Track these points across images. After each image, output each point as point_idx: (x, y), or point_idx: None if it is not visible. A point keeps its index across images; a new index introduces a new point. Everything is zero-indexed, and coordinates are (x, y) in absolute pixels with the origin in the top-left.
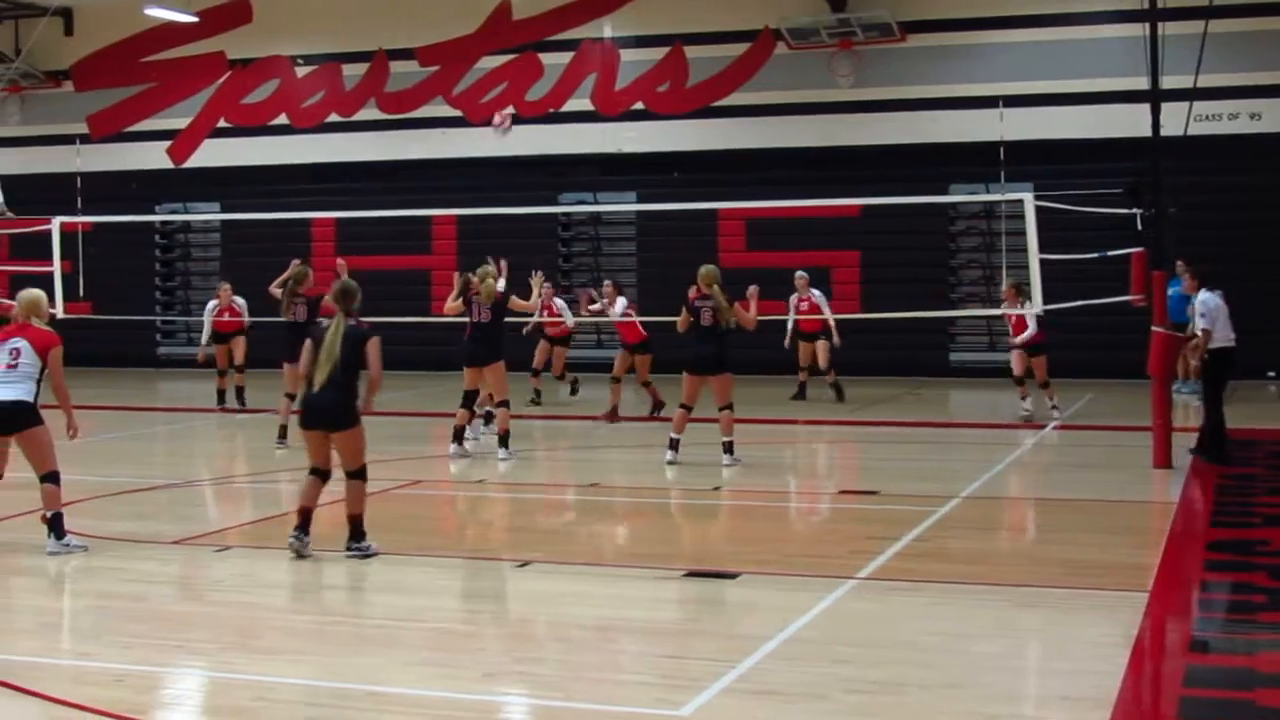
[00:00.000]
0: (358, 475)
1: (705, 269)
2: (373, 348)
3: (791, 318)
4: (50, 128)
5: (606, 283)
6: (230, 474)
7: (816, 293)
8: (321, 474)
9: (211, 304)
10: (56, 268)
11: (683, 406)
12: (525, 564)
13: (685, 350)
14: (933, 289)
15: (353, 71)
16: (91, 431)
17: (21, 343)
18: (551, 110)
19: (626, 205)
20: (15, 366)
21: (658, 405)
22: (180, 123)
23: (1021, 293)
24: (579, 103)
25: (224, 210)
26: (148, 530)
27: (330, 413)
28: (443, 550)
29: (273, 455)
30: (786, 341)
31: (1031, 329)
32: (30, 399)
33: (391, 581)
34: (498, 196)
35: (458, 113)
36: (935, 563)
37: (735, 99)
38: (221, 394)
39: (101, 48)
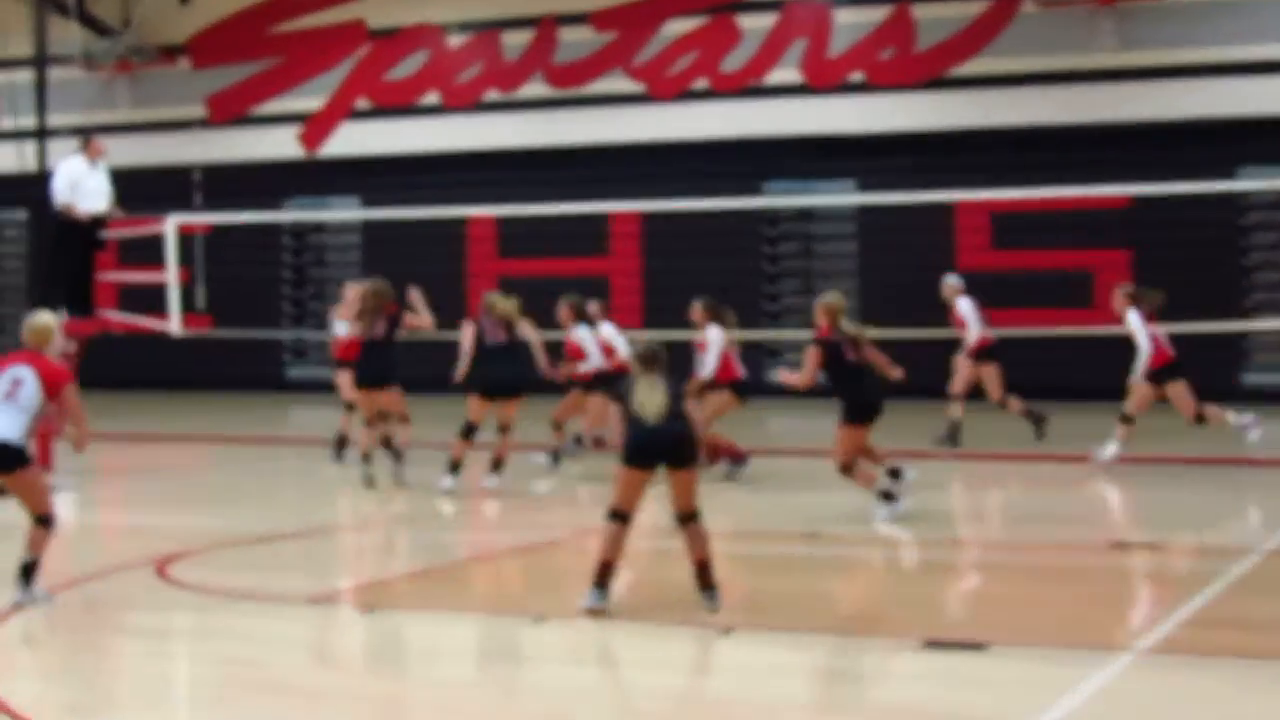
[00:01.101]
0: (694, 519)
1: (837, 298)
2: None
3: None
4: (164, 111)
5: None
6: (376, 517)
7: (964, 302)
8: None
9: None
10: (171, 275)
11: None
12: (729, 630)
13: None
14: (1220, 295)
15: (514, 40)
16: (209, 469)
17: (26, 373)
18: (752, 84)
19: (844, 197)
20: (12, 398)
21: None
22: (314, 104)
23: None
24: (785, 74)
25: (364, 206)
26: (276, 586)
27: (678, 445)
28: (634, 613)
29: (428, 495)
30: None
31: None
32: (17, 438)
33: (563, 648)
34: (688, 187)
35: (639, 87)
36: (1234, 632)
37: (974, 67)
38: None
39: (222, 18)
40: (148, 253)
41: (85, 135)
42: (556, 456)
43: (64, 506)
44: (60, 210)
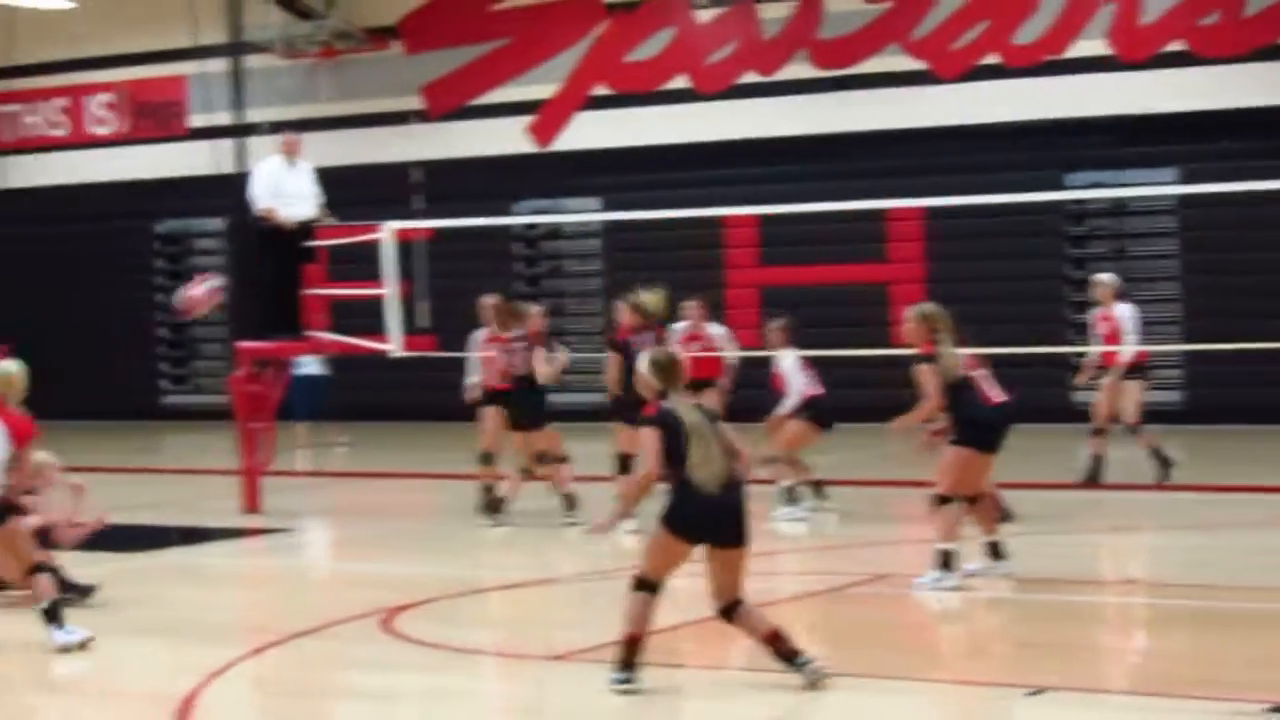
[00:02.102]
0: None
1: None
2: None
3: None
4: (374, 103)
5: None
6: (621, 566)
7: (1124, 308)
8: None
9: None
10: (390, 289)
11: None
12: (1039, 691)
13: None
14: None
15: (773, 13)
16: (435, 510)
17: None
18: (1050, 58)
19: (1161, 187)
20: None
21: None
22: (545, 91)
23: None
24: (1090, 45)
25: (606, 208)
26: (517, 641)
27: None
28: (919, 672)
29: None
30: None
31: None
32: None
33: (863, 715)
34: (976, 181)
35: (919, 65)
36: None
37: None
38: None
39: None
40: (361, 264)
41: (279, 130)
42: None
43: (276, 553)
44: (260, 217)
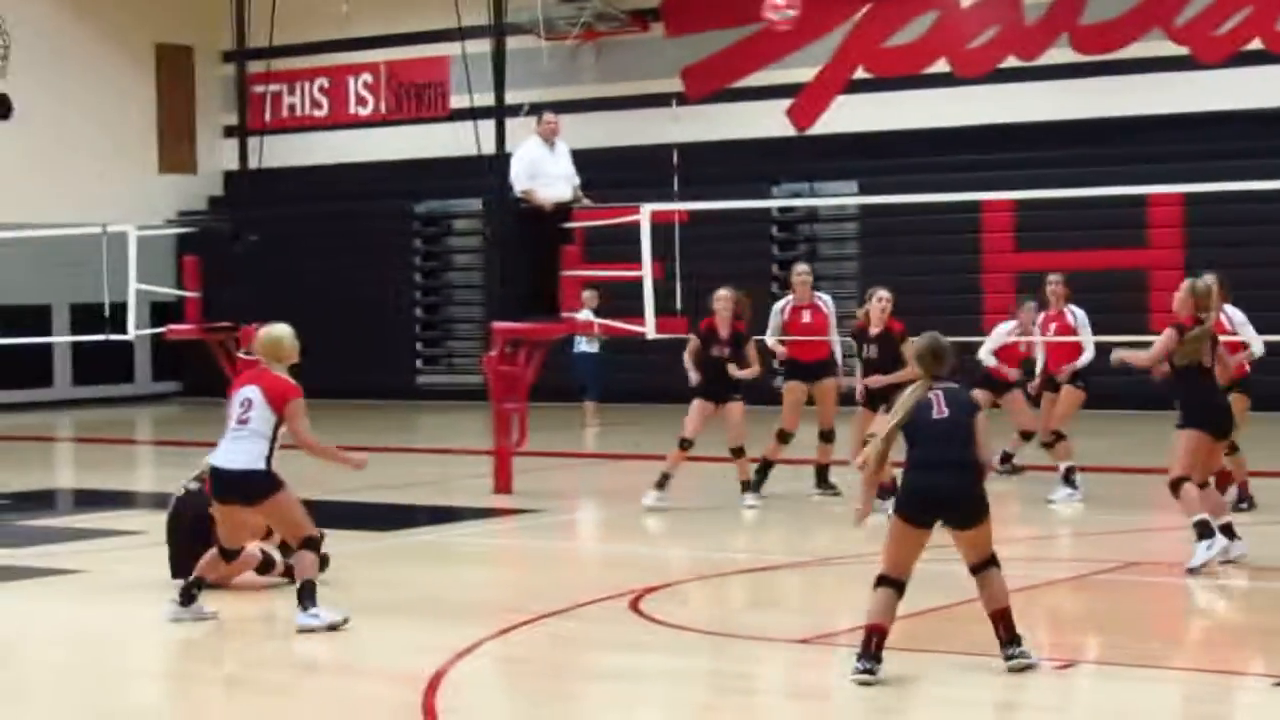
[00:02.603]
0: (992, 564)
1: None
2: (981, 422)
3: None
4: (635, 85)
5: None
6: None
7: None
8: (899, 586)
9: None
10: (646, 271)
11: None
12: None
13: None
14: None
15: None
16: (694, 493)
17: (254, 392)
18: None
19: None
20: (246, 422)
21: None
22: (804, 74)
23: None
24: None
25: (863, 191)
26: (767, 623)
27: (953, 500)
28: (1166, 660)
29: None
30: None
31: None
32: (262, 464)
33: (1105, 702)
34: (1243, 166)
35: (1182, 51)
36: None
37: None
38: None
39: None
40: (620, 245)
41: (539, 112)
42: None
43: (525, 534)
44: (519, 199)
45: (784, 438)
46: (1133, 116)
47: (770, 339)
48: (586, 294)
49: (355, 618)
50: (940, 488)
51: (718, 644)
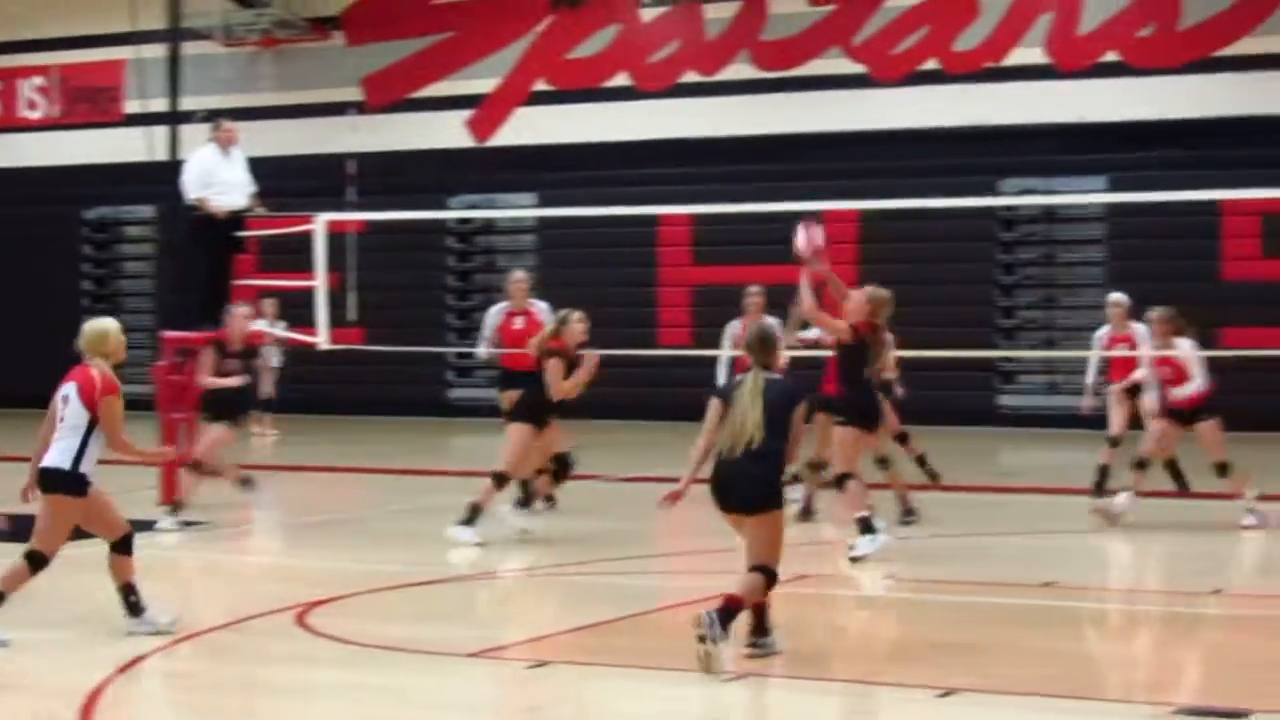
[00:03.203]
0: (765, 574)
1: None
2: (800, 412)
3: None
4: (314, 94)
5: None
6: (546, 562)
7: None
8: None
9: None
10: (320, 282)
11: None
12: (948, 693)
13: None
14: None
15: (717, 13)
16: (358, 503)
17: (71, 389)
18: (989, 65)
19: (1093, 194)
20: (63, 420)
21: None
22: (485, 85)
23: None
24: (1028, 54)
25: (542, 204)
26: (435, 637)
27: (749, 493)
28: (835, 672)
29: (601, 536)
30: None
31: None
32: (66, 464)
33: (771, 713)
34: (914, 184)
35: (860, 69)
36: None
37: (1248, 46)
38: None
39: None
40: (294, 256)
41: (216, 119)
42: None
43: (191, 546)
44: (192, 206)
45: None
46: (811, 133)
47: (483, 348)
48: (266, 303)
49: (11, 631)
50: (739, 474)
51: (386, 658)
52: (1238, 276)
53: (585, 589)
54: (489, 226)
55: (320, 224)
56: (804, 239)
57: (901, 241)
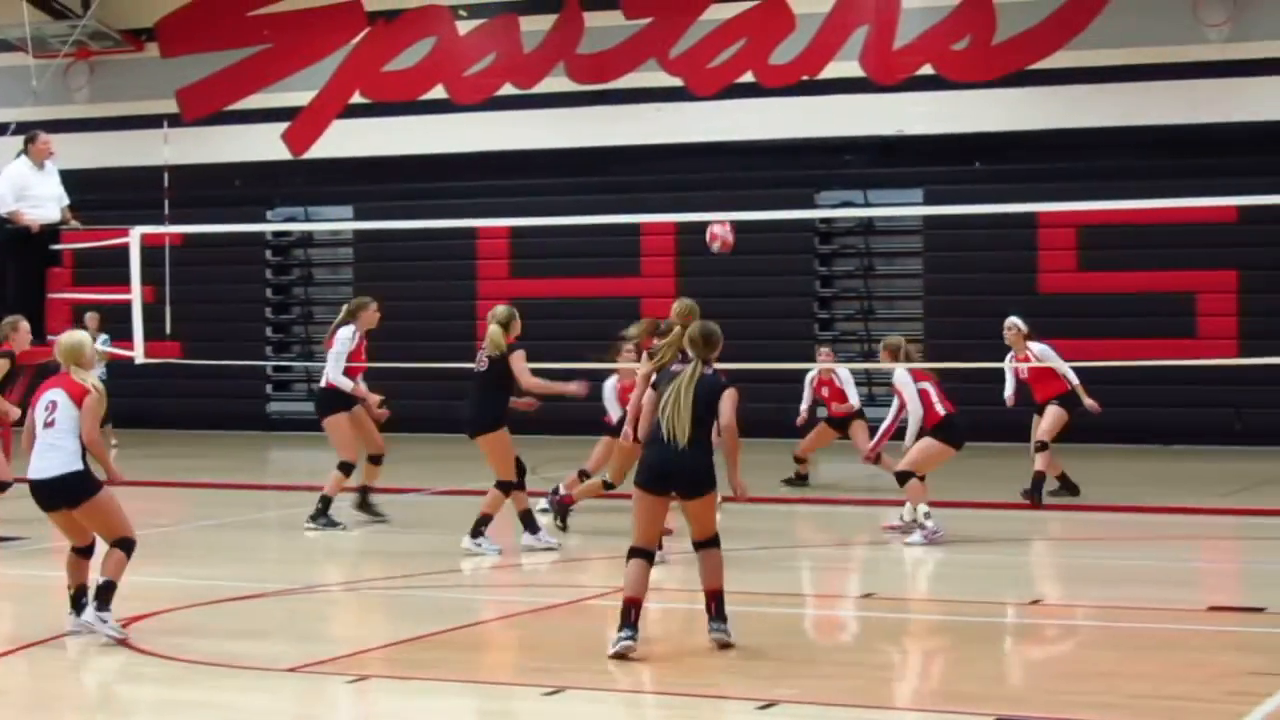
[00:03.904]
0: (714, 544)
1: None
2: (728, 398)
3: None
4: (128, 106)
5: None
6: (367, 576)
7: (1035, 348)
8: (649, 555)
9: None
10: (135, 295)
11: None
12: (769, 705)
13: None
14: None
15: (534, 26)
16: (178, 518)
17: (59, 395)
18: (806, 78)
19: (909, 207)
20: (53, 425)
21: None
22: (302, 98)
23: None
24: (844, 67)
25: (358, 217)
26: (256, 652)
27: (689, 476)
28: (658, 684)
29: (422, 550)
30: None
31: None
32: (79, 464)
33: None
34: (733, 197)
35: (677, 82)
36: None
37: (1060, 60)
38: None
39: None
40: (110, 268)
41: (30, 132)
42: None
43: (5, 561)
44: (4, 220)
45: (345, 469)
46: (629, 146)
47: (336, 371)
48: (89, 317)
49: None
50: (673, 460)
51: (209, 673)
52: (1054, 289)
53: (406, 603)
54: (307, 239)
55: (135, 237)
56: (718, 239)
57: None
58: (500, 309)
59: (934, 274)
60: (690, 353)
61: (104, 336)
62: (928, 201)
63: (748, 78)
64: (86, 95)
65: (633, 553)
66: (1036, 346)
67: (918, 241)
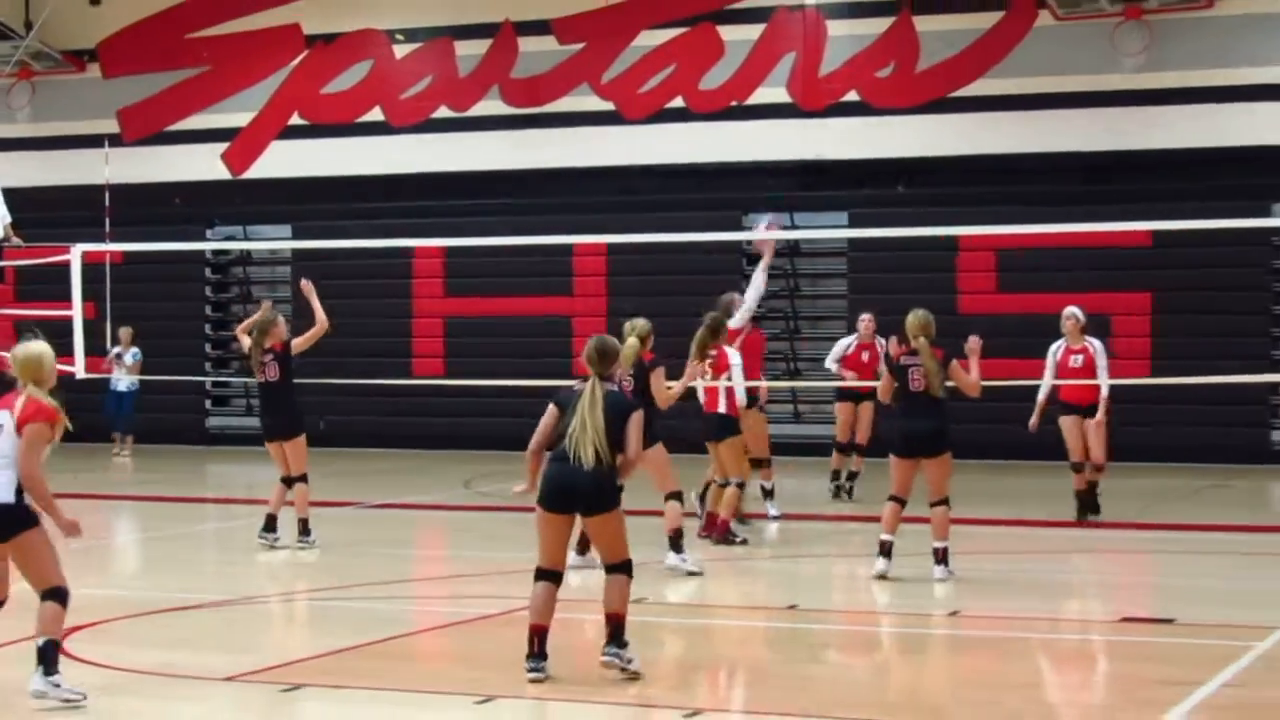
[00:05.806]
0: (622, 569)
1: (914, 315)
2: (635, 422)
3: (1048, 382)
4: (70, 125)
5: None
6: (302, 587)
7: (1095, 343)
8: (556, 577)
9: None
10: (77, 311)
11: (893, 499)
12: (694, 714)
13: (891, 424)
14: (1250, 345)
15: (469, 50)
16: (118, 530)
17: (5, 417)
18: (735, 103)
19: (834, 230)
20: None
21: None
22: (241, 119)
23: None
24: (771, 93)
25: (296, 236)
26: (192, 662)
27: (589, 494)
28: (585, 694)
29: (357, 562)
30: (1034, 420)
31: None
32: (9, 497)
33: None
34: (662, 218)
35: (609, 106)
36: (1255, 716)
37: (982, 87)
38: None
39: (138, 20)
40: (50, 285)
41: None
42: None
43: None
44: None
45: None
46: (562, 168)
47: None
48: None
49: None
50: (575, 477)
51: (144, 683)
52: (974, 310)
53: (340, 614)
54: (245, 258)
55: (77, 254)
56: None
57: (650, 275)
58: (640, 321)
59: (858, 294)
60: (589, 369)
61: (135, 350)
62: (852, 224)
63: (678, 102)
64: (28, 114)
65: (539, 574)
66: (1095, 341)
67: (842, 263)
